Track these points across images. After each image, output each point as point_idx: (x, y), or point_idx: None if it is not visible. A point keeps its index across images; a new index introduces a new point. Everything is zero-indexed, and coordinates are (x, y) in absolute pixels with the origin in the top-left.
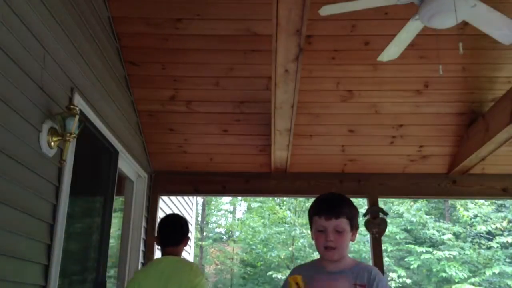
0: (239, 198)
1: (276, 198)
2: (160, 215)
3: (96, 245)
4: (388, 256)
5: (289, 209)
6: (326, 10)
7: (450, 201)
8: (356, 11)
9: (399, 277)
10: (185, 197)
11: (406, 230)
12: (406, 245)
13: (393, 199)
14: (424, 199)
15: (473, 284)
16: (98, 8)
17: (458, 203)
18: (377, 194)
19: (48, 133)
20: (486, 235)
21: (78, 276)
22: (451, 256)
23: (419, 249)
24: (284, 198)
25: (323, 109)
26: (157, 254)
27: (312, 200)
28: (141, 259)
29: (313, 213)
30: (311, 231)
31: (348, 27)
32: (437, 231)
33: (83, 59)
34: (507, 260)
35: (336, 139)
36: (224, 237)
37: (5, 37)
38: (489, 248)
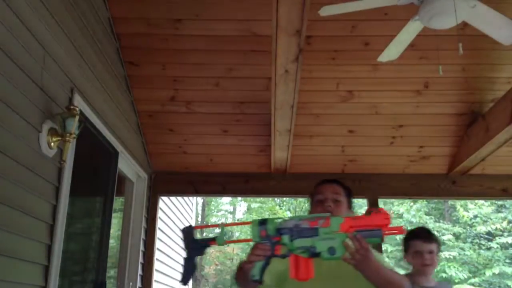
0: (239, 198)
1: (276, 199)
2: (160, 215)
3: (96, 245)
4: (388, 257)
5: (289, 210)
6: (326, 11)
7: (450, 202)
8: (356, 12)
9: None
10: (185, 198)
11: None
12: None
13: (393, 200)
14: (424, 200)
15: (473, 284)
16: (98, 8)
17: (458, 203)
18: (377, 195)
19: (48, 133)
20: (486, 236)
21: (78, 277)
22: (451, 257)
23: None
24: (284, 199)
25: (323, 110)
26: (157, 255)
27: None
28: (141, 260)
29: None
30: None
31: (348, 28)
32: (437, 231)
33: (83, 59)
34: (507, 260)
35: (336, 139)
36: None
37: (5, 37)
38: (489, 248)
